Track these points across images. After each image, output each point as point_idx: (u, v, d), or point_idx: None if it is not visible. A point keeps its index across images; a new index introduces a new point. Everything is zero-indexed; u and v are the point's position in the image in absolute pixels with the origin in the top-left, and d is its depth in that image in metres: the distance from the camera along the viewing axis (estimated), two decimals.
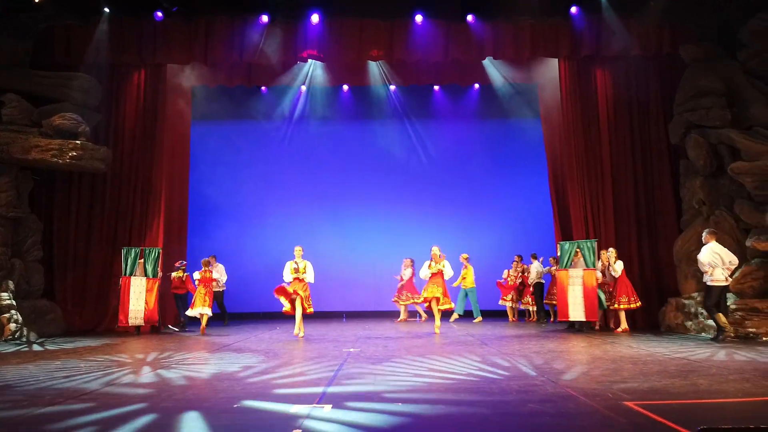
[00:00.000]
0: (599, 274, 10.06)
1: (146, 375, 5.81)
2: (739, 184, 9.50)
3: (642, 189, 11.31)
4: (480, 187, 14.65)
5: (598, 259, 10.22)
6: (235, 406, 4.35)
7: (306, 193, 14.60)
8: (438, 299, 9.60)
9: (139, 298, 10.21)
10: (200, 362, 6.76)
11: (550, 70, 12.23)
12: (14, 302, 9.61)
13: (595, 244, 10.11)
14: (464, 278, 12.37)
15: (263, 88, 14.02)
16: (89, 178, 11.22)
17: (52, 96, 10.72)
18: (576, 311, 9.81)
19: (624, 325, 9.96)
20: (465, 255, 12.44)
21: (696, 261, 9.94)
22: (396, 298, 12.68)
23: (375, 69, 12.80)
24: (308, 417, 3.96)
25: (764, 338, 8.60)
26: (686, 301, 9.95)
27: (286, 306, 9.30)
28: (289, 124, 14.68)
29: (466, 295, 12.49)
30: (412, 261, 12.55)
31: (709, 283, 8.59)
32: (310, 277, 9.31)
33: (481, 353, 7.27)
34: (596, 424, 3.75)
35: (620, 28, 11.09)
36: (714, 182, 10.07)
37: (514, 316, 12.77)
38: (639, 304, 10.06)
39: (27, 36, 10.81)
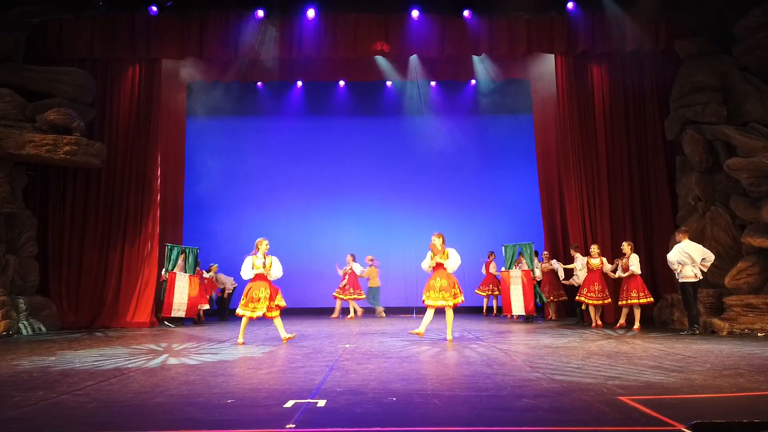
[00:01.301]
0: (538, 272, 11.28)
1: (141, 367, 5.79)
2: (735, 180, 9.51)
3: (638, 185, 11.34)
4: (475, 182, 14.68)
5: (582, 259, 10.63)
6: (229, 401, 4.34)
7: (302, 188, 14.60)
8: (444, 304, 8.00)
9: (182, 292, 10.94)
10: (193, 357, 6.74)
11: (543, 65, 12.23)
12: (9, 298, 9.58)
13: (532, 246, 11.29)
14: (370, 278, 12.78)
15: (259, 83, 13.99)
16: (84, 174, 11.17)
17: (45, 91, 10.66)
18: (517, 307, 11.06)
19: (636, 322, 9.65)
20: (370, 257, 12.82)
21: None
22: (337, 294, 12.66)
23: (372, 64, 12.74)
24: (302, 412, 3.95)
25: (759, 334, 8.62)
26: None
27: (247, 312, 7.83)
28: (285, 119, 14.66)
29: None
30: (353, 256, 12.65)
31: (681, 281, 8.93)
32: (276, 272, 7.93)
33: (476, 349, 7.27)
34: (590, 418, 3.75)
35: (616, 24, 11.10)
36: (710, 178, 10.08)
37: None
38: (651, 299, 9.82)
39: (20, 30, 10.76)
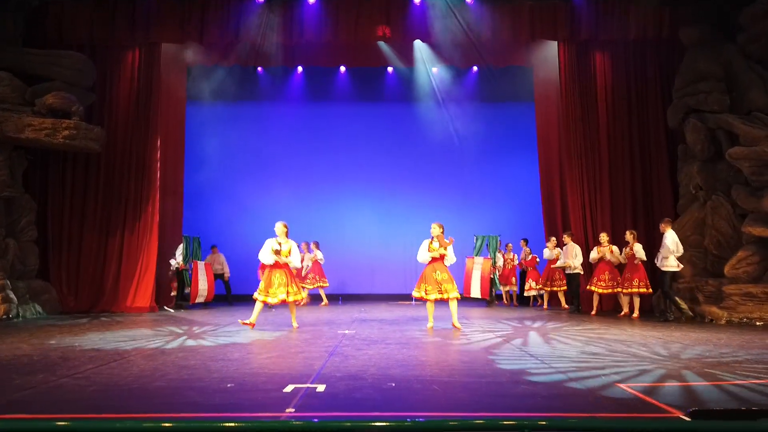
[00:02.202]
0: (500, 263, 12.40)
1: (139, 352, 5.80)
2: (737, 169, 9.48)
3: (639, 174, 11.32)
4: (476, 170, 14.60)
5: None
6: (229, 385, 4.35)
7: (303, 174, 14.55)
8: (446, 297, 7.86)
9: (204, 279, 11.63)
10: (193, 342, 6.76)
11: (546, 52, 12.14)
12: (8, 282, 9.59)
13: (498, 239, 12.55)
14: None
15: (260, 68, 13.88)
16: (83, 159, 11.12)
17: (44, 74, 10.57)
18: (474, 290, 12.10)
19: (636, 311, 9.68)
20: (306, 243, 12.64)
21: (691, 246, 10.14)
22: (302, 283, 12.56)
23: (373, 50, 12.61)
24: (302, 397, 3.97)
25: (758, 323, 8.65)
26: (681, 286, 9.99)
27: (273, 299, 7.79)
28: (285, 105, 14.57)
29: None
30: (317, 243, 12.49)
31: (663, 269, 9.21)
32: (295, 261, 7.99)
33: (474, 335, 7.29)
34: (588, 405, 3.76)
35: (620, 11, 11.01)
36: (711, 167, 10.05)
37: (511, 301, 12.87)
38: (651, 290, 9.81)
39: (19, 13, 10.65)
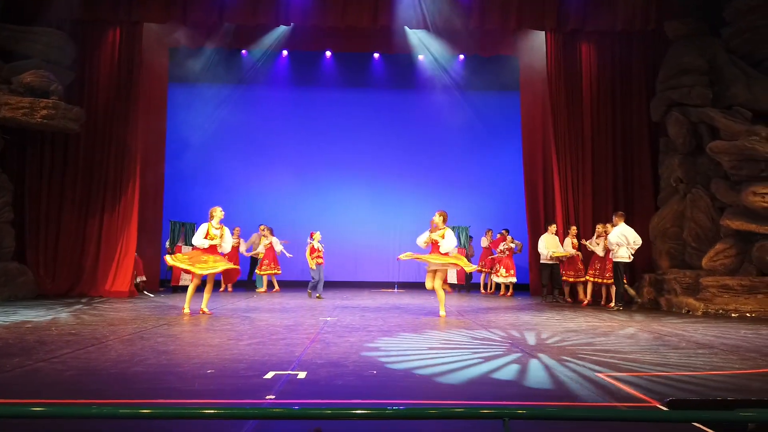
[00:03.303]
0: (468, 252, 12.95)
1: (117, 337, 5.73)
2: (717, 163, 9.60)
3: (621, 165, 11.41)
4: (462, 158, 14.60)
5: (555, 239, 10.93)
6: (209, 371, 4.32)
7: (287, 160, 14.41)
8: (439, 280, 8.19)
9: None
10: (174, 330, 6.70)
11: (533, 42, 12.12)
12: None
13: (468, 230, 13.12)
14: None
15: (243, 51, 13.68)
16: (62, 139, 10.89)
17: (22, 52, 10.30)
18: (451, 277, 12.56)
19: (613, 300, 9.76)
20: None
21: (670, 238, 10.27)
22: (259, 271, 12.45)
23: (361, 35, 12.48)
24: (282, 383, 3.95)
25: (733, 315, 8.81)
26: (660, 278, 10.13)
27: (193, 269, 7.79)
28: (269, 89, 14.39)
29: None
30: (271, 230, 12.41)
31: (615, 260, 9.49)
32: (226, 246, 8.15)
33: (456, 324, 7.33)
34: (567, 394, 3.80)
35: (608, 3, 11.02)
36: (692, 161, 10.16)
37: (491, 289, 12.96)
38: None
39: None
